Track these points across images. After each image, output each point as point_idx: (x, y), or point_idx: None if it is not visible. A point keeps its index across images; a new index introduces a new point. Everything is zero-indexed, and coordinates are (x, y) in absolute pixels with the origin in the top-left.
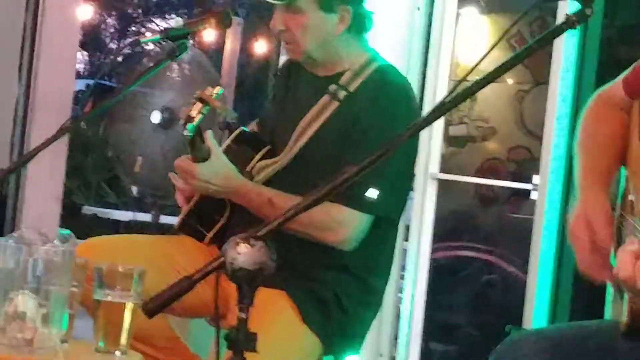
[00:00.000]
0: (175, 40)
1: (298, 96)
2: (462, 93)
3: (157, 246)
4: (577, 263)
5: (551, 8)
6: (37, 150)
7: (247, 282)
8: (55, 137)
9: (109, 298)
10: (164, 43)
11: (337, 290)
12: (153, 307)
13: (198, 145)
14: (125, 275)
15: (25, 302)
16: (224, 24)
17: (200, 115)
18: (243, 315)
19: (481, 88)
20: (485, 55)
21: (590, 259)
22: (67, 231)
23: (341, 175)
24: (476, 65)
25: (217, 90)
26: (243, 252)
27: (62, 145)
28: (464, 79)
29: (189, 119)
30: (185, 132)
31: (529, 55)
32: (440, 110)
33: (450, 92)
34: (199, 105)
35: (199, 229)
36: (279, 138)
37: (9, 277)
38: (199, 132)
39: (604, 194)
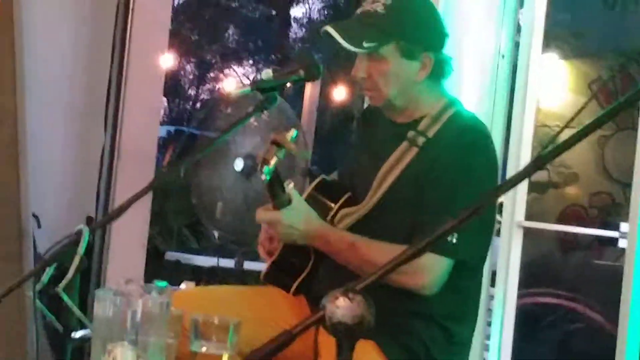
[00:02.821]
0: (265, 92)
1: (377, 142)
2: (562, 144)
3: (246, 297)
4: None
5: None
6: (130, 202)
7: (347, 336)
8: (146, 190)
9: (205, 349)
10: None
11: (426, 341)
12: None
13: (277, 190)
14: (221, 326)
15: (124, 353)
16: (313, 76)
17: (275, 158)
18: None
19: (581, 139)
20: (582, 108)
21: None
22: (164, 283)
23: (441, 227)
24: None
25: (292, 132)
26: (342, 306)
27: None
28: (567, 125)
29: (265, 162)
30: (262, 176)
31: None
32: (538, 162)
33: (547, 144)
34: (274, 148)
35: (284, 280)
36: (359, 185)
37: (107, 328)
38: (277, 177)
39: None
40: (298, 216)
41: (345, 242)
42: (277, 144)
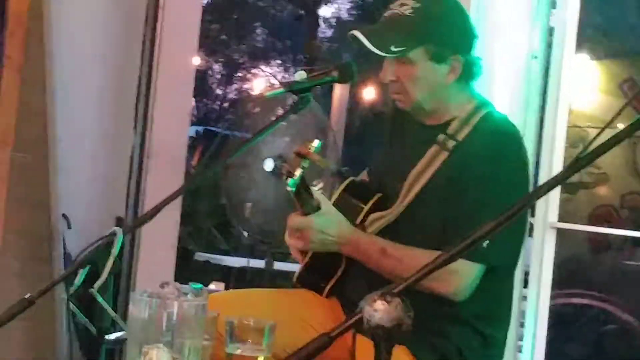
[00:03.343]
0: (299, 93)
1: (406, 145)
2: (602, 146)
3: (280, 299)
4: None
5: None
6: (161, 205)
7: (385, 339)
8: (179, 192)
9: (241, 352)
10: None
11: (460, 344)
12: None
13: (305, 198)
14: (257, 329)
15: (159, 355)
16: (347, 77)
17: (300, 170)
18: None
19: (619, 143)
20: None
21: None
22: (200, 285)
23: (474, 233)
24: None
25: (316, 143)
26: (380, 309)
27: None
28: (606, 127)
29: (290, 174)
30: (288, 188)
31: None
32: (577, 166)
33: (585, 148)
34: (298, 160)
35: (317, 282)
36: (388, 187)
37: (143, 330)
38: (304, 184)
39: None
40: (329, 221)
41: (377, 247)
42: (301, 156)
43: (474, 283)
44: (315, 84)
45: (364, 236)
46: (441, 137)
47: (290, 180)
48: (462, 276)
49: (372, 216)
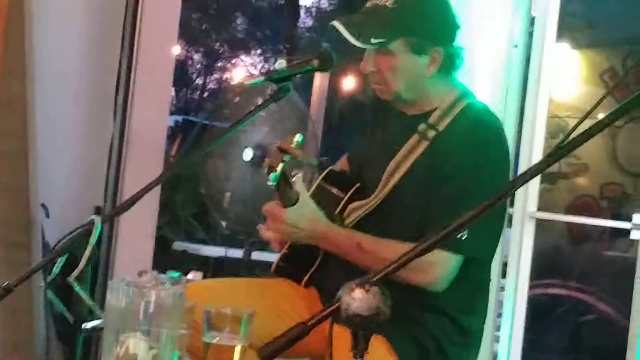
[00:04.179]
0: (279, 82)
1: (387, 134)
2: (579, 137)
3: (258, 289)
4: None
5: None
6: (142, 193)
7: (362, 328)
8: (157, 182)
9: (218, 340)
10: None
11: (437, 334)
12: (269, 352)
13: (285, 191)
14: (234, 317)
15: (136, 344)
16: (327, 66)
17: (281, 164)
18: None
19: (599, 132)
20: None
21: None
22: (178, 273)
23: (454, 222)
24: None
25: (297, 138)
26: (358, 298)
27: None
28: (585, 118)
29: (271, 169)
30: (269, 182)
31: None
32: (557, 155)
33: (566, 137)
34: (279, 154)
35: (295, 272)
36: (368, 177)
37: (120, 318)
38: (284, 177)
39: None
40: (302, 216)
41: (353, 242)
42: (283, 151)
43: (452, 274)
44: (295, 72)
45: (339, 231)
46: (422, 126)
47: (272, 175)
48: (441, 267)
49: (351, 206)
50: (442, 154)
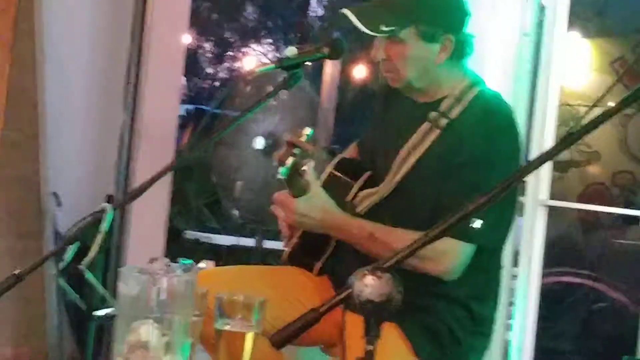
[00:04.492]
0: (289, 69)
1: (398, 122)
2: (590, 123)
3: (270, 276)
4: None
5: None
6: (152, 181)
7: (374, 314)
8: (168, 169)
9: (230, 327)
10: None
11: (449, 321)
12: (281, 339)
13: (295, 182)
14: (246, 305)
15: (148, 331)
16: (337, 53)
17: (292, 158)
18: (370, 348)
19: (609, 119)
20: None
21: None
22: (189, 260)
23: (467, 208)
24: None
25: (307, 131)
26: (370, 284)
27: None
28: (595, 105)
29: (281, 162)
30: (279, 176)
31: None
32: (568, 141)
33: (577, 123)
34: (289, 149)
35: (307, 261)
36: (379, 164)
37: (132, 306)
38: (295, 169)
39: None
40: (313, 206)
41: (365, 231)
42: (293, 145)
43: (465, 263)
44: (306, 59)
45: (351, 221)
46: (433, 114)
47: (281, 169)
48: (454, 256)
49: (362, 193)
50: (455, 142)
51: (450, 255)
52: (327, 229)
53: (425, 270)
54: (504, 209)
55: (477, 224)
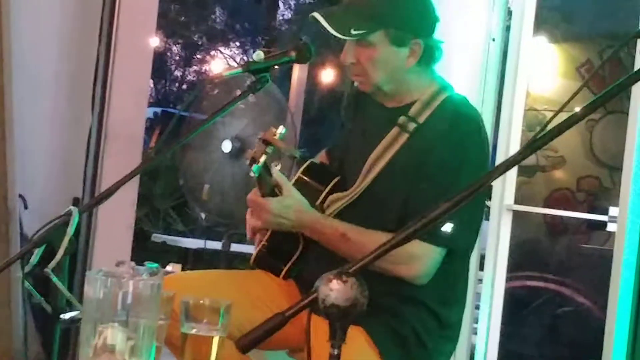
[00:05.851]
0: (257, 73)
1: (367, 127)
2: (556, 128)
3: (237, 280)
4: None
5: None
6: (118, 185)
7: (340, 318)
8: (135, 172)
9: (196, 331)
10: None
11: (416, 325)
12: (247, 342)
13: (265, 181)
14: (212, 308)
15: (114, 334)
16: (305, 57)
17: (264, 156)
18: (335, 352)
19: (575, 124)
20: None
21: None
22: (156, 264)
23: (432, 212)
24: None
25: (281, 130)
26: (335, 289)
27: None
28: (561, 110)
29: (254, 160)
30: (251, 174)
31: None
32: (534, 146)
33: (542, 128)
34: (263, 146)
35: (274, 264)
36: (348, 169)
37: (98, 309)
38: (266, 168)
39: None
40: (288, 207)
41: (337, 232)
42: (267, 143)
43: (436, 266)
44: (273, 63)
45: (324, 220)
46: (402, 119)
47: (254, 167)
48: (424, 260)
49: (331, 197)
50: (422, 147)
51: (421, 259)
52: (300, 228)
53: (397, 274)
54: (474, 212)
55: (448, 227)
